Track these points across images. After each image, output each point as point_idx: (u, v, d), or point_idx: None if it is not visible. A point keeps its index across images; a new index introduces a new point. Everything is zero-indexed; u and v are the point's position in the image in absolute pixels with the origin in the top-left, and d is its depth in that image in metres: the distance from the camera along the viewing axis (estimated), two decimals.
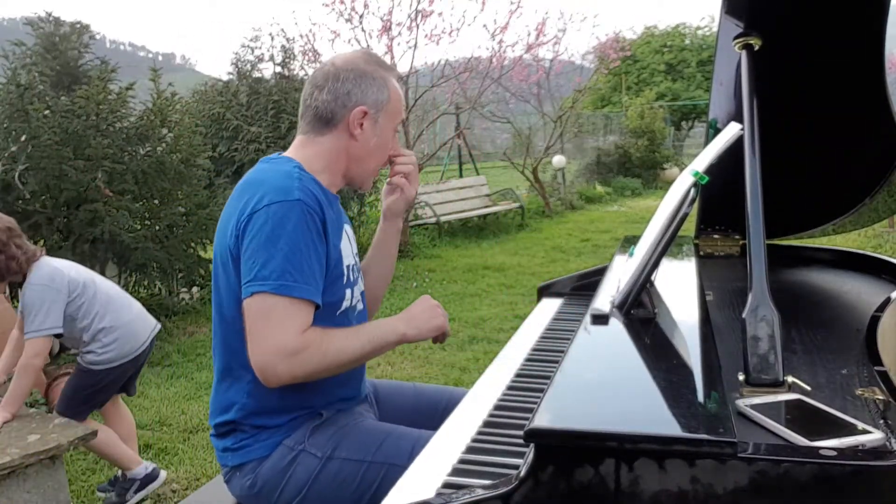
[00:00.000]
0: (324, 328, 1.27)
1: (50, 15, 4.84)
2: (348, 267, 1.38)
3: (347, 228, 1.44)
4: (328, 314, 1.33)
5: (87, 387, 2.45)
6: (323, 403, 1.37)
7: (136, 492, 2.51)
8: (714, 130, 1.86)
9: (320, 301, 1.26)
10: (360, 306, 1.47)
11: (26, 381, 2.25)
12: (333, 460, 1.29)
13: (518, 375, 1.39)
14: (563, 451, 0.81)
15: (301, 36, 8.01)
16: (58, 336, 2.34)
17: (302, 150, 1.38)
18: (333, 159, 1.37)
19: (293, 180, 1.27)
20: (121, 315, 2.48)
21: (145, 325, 2.58)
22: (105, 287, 2.50)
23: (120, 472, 2.54)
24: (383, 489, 1.21)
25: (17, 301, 2.39)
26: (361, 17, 7.09)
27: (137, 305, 2.61)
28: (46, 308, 2.25)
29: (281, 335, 1.20)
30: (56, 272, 2.32)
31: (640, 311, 1.22)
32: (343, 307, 1.37)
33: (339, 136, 1.36)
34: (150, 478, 2.55)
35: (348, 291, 1.38)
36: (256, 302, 1.21)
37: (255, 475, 1.33)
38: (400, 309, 5.61)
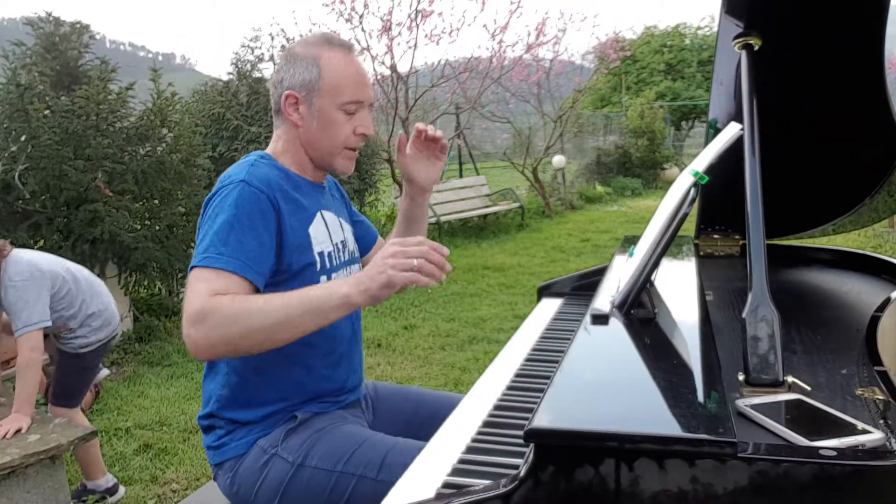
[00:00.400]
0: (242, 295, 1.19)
1: (50, 15, 4.84)
2: (321, 254, 1.35)
3: (327, 214, 1.41)
4: None
5: (80, 370, 2.48)
6: (297, 398, 1.35)
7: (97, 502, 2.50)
8: (714, 130, 1.86)
9: (251, 277, 1.20)
10: None
11: (32, 379, 2.25)
12: (304, 468, 1.27)
13: (518, 375, 1.39)
14: (563, 450, 0.81)
15: (301, 36, 8.00)
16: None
17: (272, 144, 1.41)
18: (291, 148, 1.38)
19: (245, 166, 1.29)
20: (102, 297, 2.55)
21: (112, 299, 2.65)
22: (81, 273, 2.54)
23: (83, 482, 2.53)
24: (354, 500, 1.22)
25: None
26: (361, 17, 7.10)
27: (102, 283, 2.68)
28: (32, 302, 2.24)
29: (190, 301, 1.14)
30: (33, 266, 2.32)
31: (640, 311, 1.22)
32: None
33: (288, 126, 1.37)
34: (110, 492, 2.53)
35: (323, 278, 1.35)
36: (188, 279, 1.20)
37: (234, 474, 1.33)
38: (399, 308, 5.61)
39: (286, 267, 1.29)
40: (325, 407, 1.39)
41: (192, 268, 1.20)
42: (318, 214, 1.38)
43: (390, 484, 1.01)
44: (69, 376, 2.46)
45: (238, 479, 1.32)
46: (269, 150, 1.40)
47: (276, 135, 1.40)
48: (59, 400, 2.44)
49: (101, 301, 2.52)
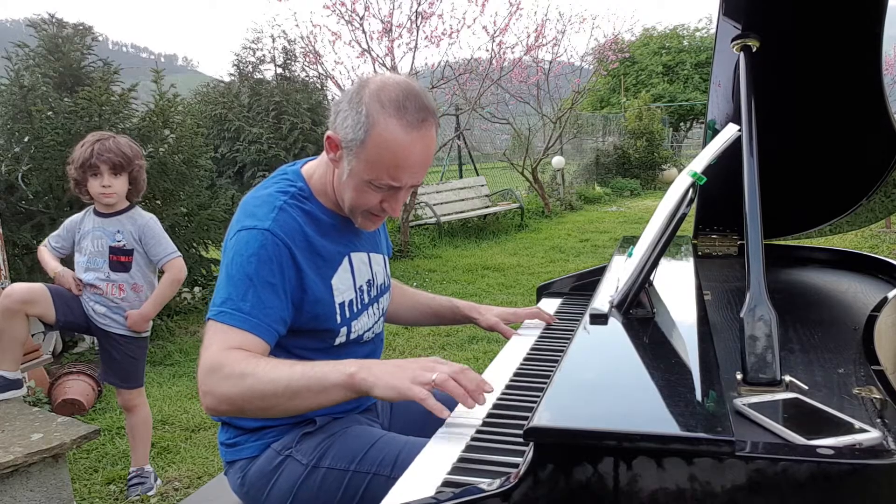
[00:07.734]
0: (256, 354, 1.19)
1: (53, 17, 4.85)
2: (342, 304, 1.32)
3: (356, 256, 1.36)
4: (322, 347, 1.31)
5: (144, 351, 2.57)
6: (317, 412, 1.33)
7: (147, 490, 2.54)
8: (712, 131, 1.87)
9: (266, 336, 1.19)
10: (369, 335, 1.41)
11: (171, 294, 2.51)
12: (318, 468, 1.26)
13: (517, 374, 1.40)
14: (563, 449, 0.82)
15: (302, 38, 8.03)
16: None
17: (317, 164, 1.36)
18: (327, 179, 1.32)
19: (272, 209, 1.24)
20: None
21: None
22: None
23: (136, 468, 2.57)
24: (367, 498, 1.21)
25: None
26: (362, 18, 7.11)
27: None
28: (164, 237, 2.46)
29: (204, 354, 1.16)
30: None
31: (639, 310, 1.23)
32: (337, 341, 1.33)
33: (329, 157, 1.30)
34: (154, 478, 2.59)
35: (343, 329, 1.33)
36: (206, 327, 1.22)
37: (244, 475, 1.32)
38: None
39: (306, 320, 1.28)
40: (340, 413, 1.38)
41: (209, 317, 1.21)
42: (345, 260, 1.34)
43: None
44: (139, 360, 2.54)
45: (248, 479, 1.32)
46: (308, 170, 1.34)
47: (323, 156, 1.32)
48: (131, 383, 2.52)
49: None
